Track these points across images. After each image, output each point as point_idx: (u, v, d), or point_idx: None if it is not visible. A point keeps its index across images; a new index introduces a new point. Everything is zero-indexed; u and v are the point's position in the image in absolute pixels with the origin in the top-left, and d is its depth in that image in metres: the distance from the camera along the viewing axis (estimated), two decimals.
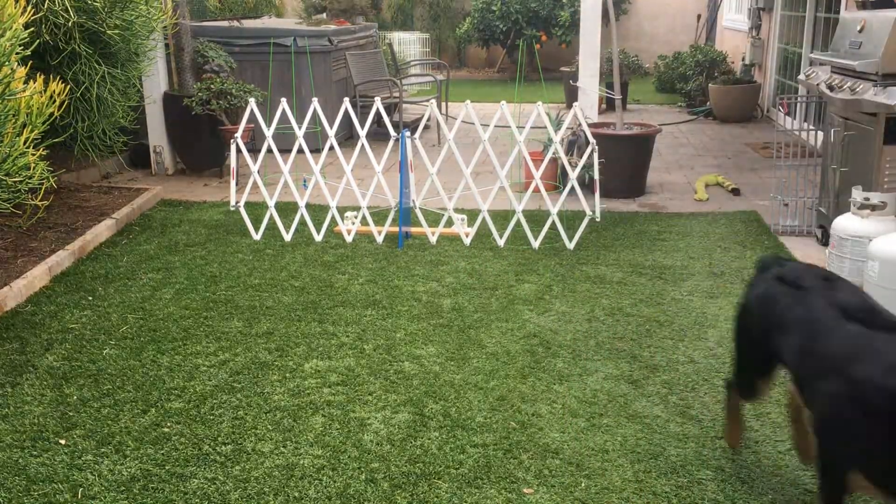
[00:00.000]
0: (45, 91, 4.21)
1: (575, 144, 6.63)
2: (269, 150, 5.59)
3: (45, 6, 5.04)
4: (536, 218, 5.71)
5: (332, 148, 5.47)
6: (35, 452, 3.05)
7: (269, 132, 5.51)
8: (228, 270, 4.96)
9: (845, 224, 4.50)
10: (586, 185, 6.12)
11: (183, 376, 3.63)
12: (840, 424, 2.30)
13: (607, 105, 9.81)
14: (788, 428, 3.10)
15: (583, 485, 2.87)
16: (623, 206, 6.45)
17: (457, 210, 5.62)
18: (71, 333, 4.06)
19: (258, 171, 5.60)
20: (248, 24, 8.92)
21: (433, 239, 5.47)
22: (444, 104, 9.52)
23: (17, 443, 3.11)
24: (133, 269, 4.98)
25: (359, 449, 3.08)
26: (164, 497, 2.80)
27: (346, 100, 5.63)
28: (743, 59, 11.17)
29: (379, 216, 5.62)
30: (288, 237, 5.53)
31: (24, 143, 3.96)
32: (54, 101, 4.28)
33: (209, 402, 3.41)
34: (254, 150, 5.93)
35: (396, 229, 5.46)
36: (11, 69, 3.84)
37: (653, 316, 4.29)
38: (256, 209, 5.86)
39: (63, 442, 3.11)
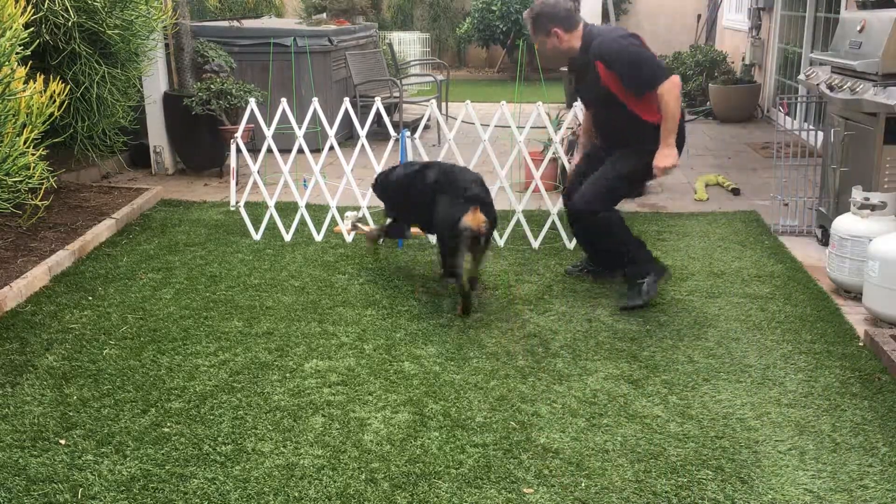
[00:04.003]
0: (45, 91, 4.21)
1: (575, 144, 6.62)
2: (269, 150, 5.59)
3: (45, 6, 5.04)
4: (536, 218, 5.71)
5: (332, 148, 5.47)
6: (35, 452, 3.05)
7: (269, 132, 5.51)
8: (228, 270, 4.96)
9: (845, 224, 4.50)
10: None
11: (183, 376, 3.62)
12: None
13: None
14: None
15: (583, 485, 2.87)
16: (623, 205, 6.42)
17: None
18: (71, 333, 4.06)
19: (258, 171, 5.60)
20: (248, 24, 8.91)
21: (433, 239, 5.47)
22: (444, 104, 9.52)
23: (17, 443, 3.11)
24: (133, 269, 4.98)
25: (359, 449, 3.08)
26: (164, 497, 2.80)
27: (346, 100, 5.63)
28: (743, 59, 11.17)
29: (379, 216, 5.62)
30: (288, 237, 5.53)
31: (24, 143, 3.96)
32: (54, 101, 4.28)
33: (209, 402, 3.41)
34: (254, 150, 5.93)
35: None
36: (11, 69, 3.84)
37: (653, 316, 4.29)
38: (256, 209, 5.86)
39: (63, 442, 3.11)
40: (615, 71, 4.18)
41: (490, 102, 10.81)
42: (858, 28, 5.02)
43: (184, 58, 7.54)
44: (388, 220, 5.01)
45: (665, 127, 4.16)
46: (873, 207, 4.44)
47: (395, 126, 7.73)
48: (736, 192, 6.78)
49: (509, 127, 5.49)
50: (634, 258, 4.41)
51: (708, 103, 10.63)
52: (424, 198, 4.47)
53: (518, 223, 5.42)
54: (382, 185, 4.92)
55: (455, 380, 3.61)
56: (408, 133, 5.43)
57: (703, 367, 3.73)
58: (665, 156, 4.19)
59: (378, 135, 7.34)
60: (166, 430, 3.20)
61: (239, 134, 5.81)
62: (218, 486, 2.85)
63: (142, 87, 6.97)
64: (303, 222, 5.62)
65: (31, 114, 4.06)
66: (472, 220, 4.13)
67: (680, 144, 4.28)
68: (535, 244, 5.38)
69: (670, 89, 4.10)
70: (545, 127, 5.67)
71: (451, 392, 3.50)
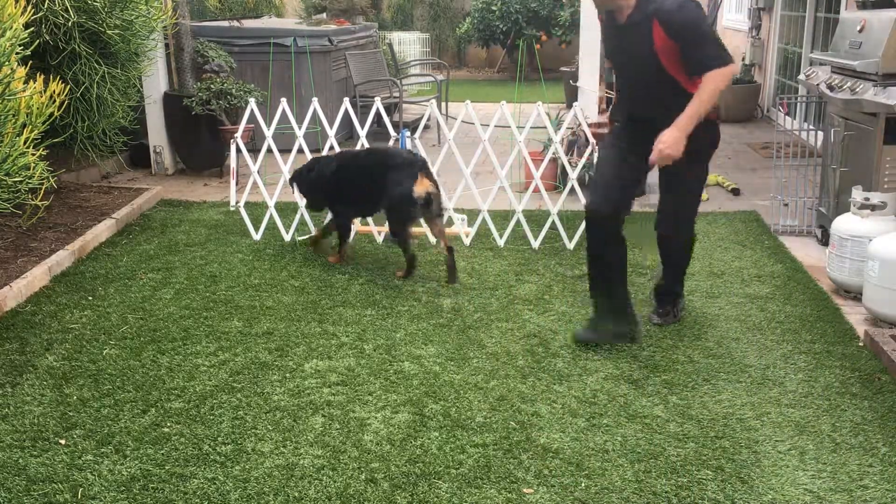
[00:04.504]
0: (45, 91, 4.21)
1: (575, 144, 6.63)
2: (269, 150, 5.59)
3: (45, 6, 5.04)
4: (536, 218, 5.71)
5: (332, 148, 5.47)
6: (35, 452, 3.05)
7: (269, 132, 5.51)
8: (228, 270, 4.96)
9: (845, 224, 4.50)
10: (586, 185, 6.11)
11: (183, 376, 3.62)
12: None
13: (607, 105, 9.81)
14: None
15: (583, 485, 2.87)
16: None
17: (457, 210, 5.62)
18: (71, 333, 4.06)
19: (258, 171, 5.60)
20: (248, 24, 8.92)
21: (433, 239, 5.47)
22: (444, 104, 9.52)
23: (17, 443, 3.11)
24: (133, 269, 4.98)
25: (359, 449, 3.08)
26: (164, 497, 2.80)
27: (346, 100, 5.64)
28: (743, 59, 11.17)
29: (379, 216, 5.61)
30: (288, 237, 5.53)
31: (24, 143, 3.96)
32: (54, 101, 4.28)
33: (209, 402, 3.41)
34: (254, 150, 5.93)
35: None
36: (11, 69, 3.84)
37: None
38: (256, 209, 5.86)
39: (63, 442, 3.11)
40: (676, 41, 3.59)
41: (490, 102, 10.80)
42: (858, 28, 5.02)
43: (184, 58, 7.54)
44: (332, 224, 5.17)
45: (691, 108, 3.58)
46: (873, 207, 4.44)
47: (395, 126, 7.73)
48: (736, 192, 6.78)
49: (509, 127, 5.49)
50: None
51: None
52: (364, 183, 4.84)
53: (518, 223, 5.42)
54: (302, 180, 5.17)
55: (455, 380, 3.61)
56: (408, 133, 5.44)
57: (703, 367, 3.73)
58: (673, 140, 3.59)
59: (378, 135, 7.34)
60: (166, 430, 3.20)
61: (239, 134, 5.81)
62: (218, 486, 2.85)
63: (142, 87, 6.96)
64: (302, 222, 5.62)
65: (31, 114, 4.06)
66: (422, 186, 4.61)
67: (713, 145, 3.94)
68: (535, 244, 5.38)
69: (721, 76, 3.55)
70: (545, 127, 5.67)
71: (451, 392, 3.50)
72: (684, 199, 4.01)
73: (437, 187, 4.71)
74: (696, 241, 4.23)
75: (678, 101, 3.65)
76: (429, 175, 4.68)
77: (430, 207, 4.70)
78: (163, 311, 4.33)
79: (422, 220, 5.49)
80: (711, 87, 3.56)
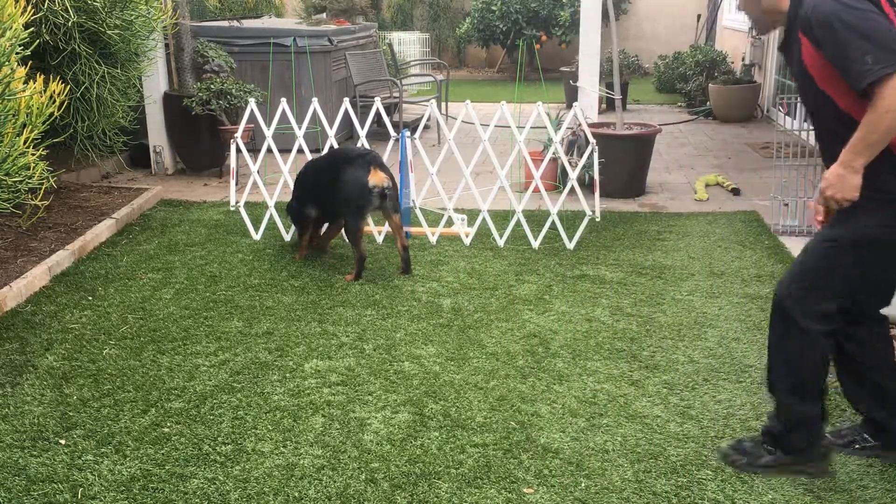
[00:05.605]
0: (45, 91, 4.21)
1: (575, 144, 6.63)
2: (269, 150, 5.60)
3: (45, 6, 5.04)
4: (536, 218, 5.71)
5: (332, 148, 5.47)
6: (35, 452, 3.05)
7: (268, 132, 5.51)
8: (228, 270, 4.96)
9: None
10: (586, 185, 6.12)
11: (183, 376, 3.63)
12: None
13: (607, 105, 9.81)
14: None
15: (583, 485, 2.88)
16: (623, 206, 6.45)
17: (457, 210, 5.62)
18: (71, 333, 4.06)
19: (258, 171, 5.60)
20: (248, 24, 8.91)
21: (433, 239, 5.48)
22: (444, 104, 9.52)
23: (17, 443, 3.11)
24: (133, 269, 4.98)
25: (359, 449, 3.08)
26: (164, 497, 2.80)
27: (346, 100, 5.64)
28: (743, 59, 11.17)
29: (378, 216, 5.61)
30: (288, 237, 5.53)
31: (24, 143, 3.96)
32: (54, 101, 4.28)
33: (209, 402, 3.41)
34: (254, 150, 5.93)
35: None
36: (11, 69, 3.84)
37: (653, 316, 4.30)
38: (256, 209, 5.86)
39: (63, 442, 3.11)
40: (823, 51, 2.62)
41: (490, 102, 10.81)
42: None
43: (184, 58, 7.54)
44: (334, 228, 5.27)
45: (857, 133, 2.58)
46: None
47: (395, 126, 7.73)
48: (736, 192, 6.78)
49: (509, 127, 5.49)
50: (800, 416, 2.92)
51: (708, 103, 10.63)
52: (326, 183, 4.89)
53: (518, 223, 5.42)
54: (297, 211, 5.22)
55: (455, 380, 3.61)
56: (408, 133, 5.44)
57: (703, 367, 3.73)
58: (835, 178, 2.65)
59: (378, 135, 7.35)
60: (166, 430, 3.20)
61: (239, 134, 5.81)
62: (218, 486, 2.85)
63: (142, 87, 6.96)
64: None
65: (31, 114, 4.06)
66: (376, 178, 4.67)
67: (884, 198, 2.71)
68: (535, 244, 5.38)
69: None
70: (545, 127, 5.67)
71: (451, 392, 3.50)
72: (806, 259, 2.91)
73: (392, 181, 4.76)
74: (824, 357, 2.89)
75: (848, 135, 2.65)
76: (384, 169, 4.75)
77: (385, 201, 4.75)
78: (163, 311, 4.33)
79: (423, 221, 5.50)
80: (883, 102, 2.49)
